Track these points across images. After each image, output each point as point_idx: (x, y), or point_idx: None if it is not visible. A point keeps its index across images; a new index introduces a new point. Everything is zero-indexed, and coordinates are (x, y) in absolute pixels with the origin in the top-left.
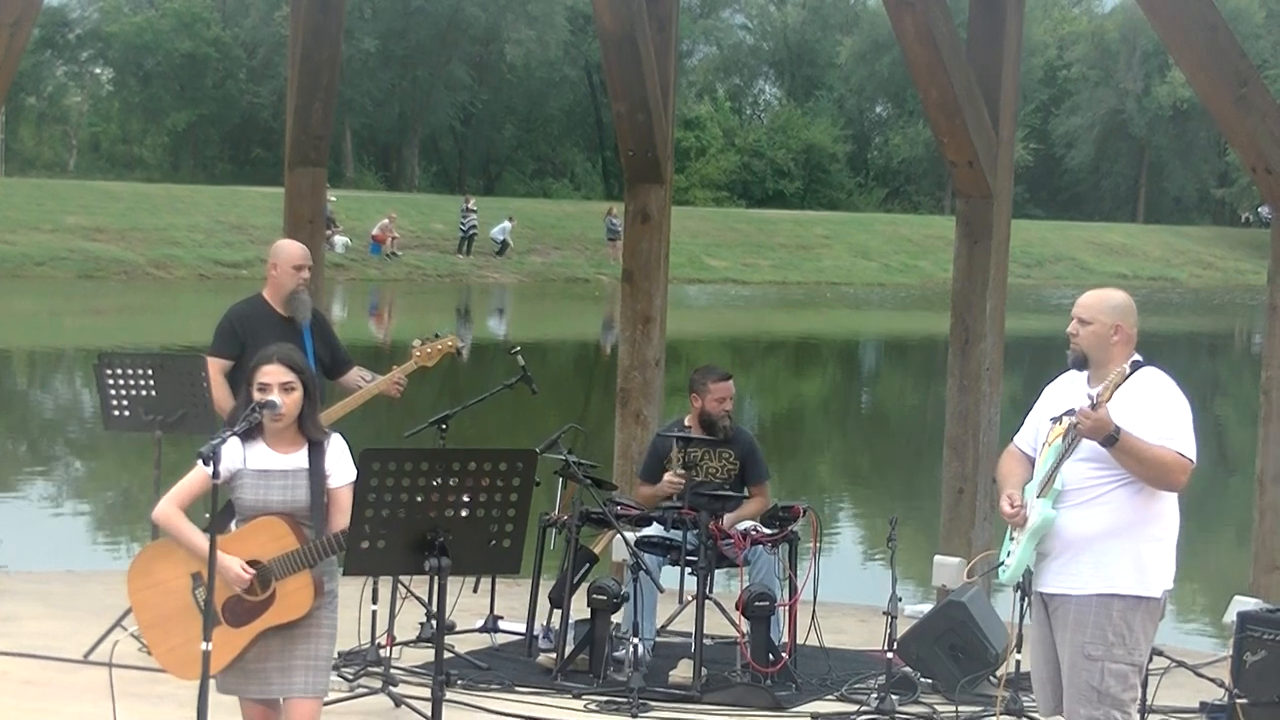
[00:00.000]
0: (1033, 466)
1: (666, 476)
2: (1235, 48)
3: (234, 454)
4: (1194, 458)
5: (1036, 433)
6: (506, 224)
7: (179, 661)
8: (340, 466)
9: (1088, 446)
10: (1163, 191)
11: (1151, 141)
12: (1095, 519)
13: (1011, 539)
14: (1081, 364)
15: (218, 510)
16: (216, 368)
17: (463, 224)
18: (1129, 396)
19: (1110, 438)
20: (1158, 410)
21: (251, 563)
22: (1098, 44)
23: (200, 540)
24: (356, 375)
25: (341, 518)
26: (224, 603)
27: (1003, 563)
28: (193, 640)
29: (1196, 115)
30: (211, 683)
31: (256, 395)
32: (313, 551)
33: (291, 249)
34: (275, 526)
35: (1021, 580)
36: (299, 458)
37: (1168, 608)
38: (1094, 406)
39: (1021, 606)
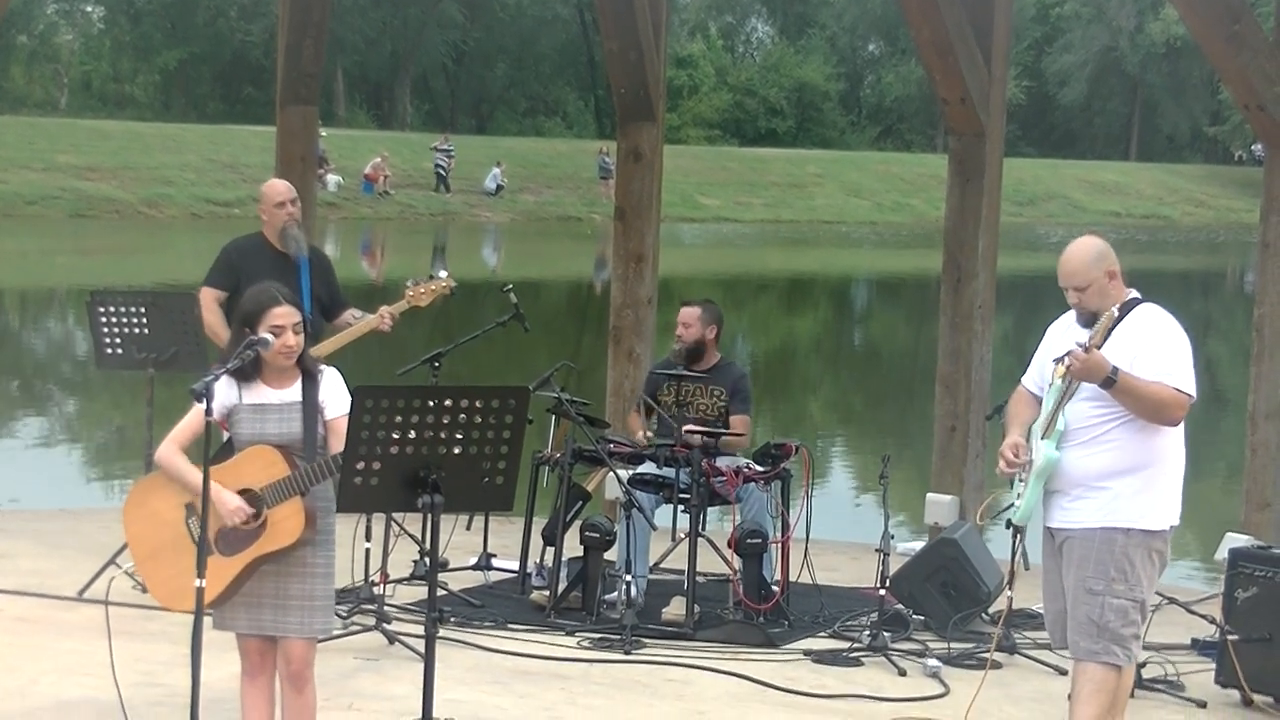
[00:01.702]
0: (1040, 407)
1: (638, 434)
2: None
3: (230, 391)
4: (1192, 392)
5: (1041, 373)
6: (495, 170)
7: (171, 594)
8: (335, 397)
9: (1088, 386)
10: (1155, 129)
11: (1144, 79)
12: (1099, 457)
13: (1020, 480)
14: (1093, 321)
15: (217, 445)
16: (210, 297)
17: (436, 163)
18: (1128, 333)
19: (1108, 379)
20: (1155, 346)
21: (242, 491)
22: None
23: (196, 475)
24: (348, 315)
25: (340, 443)
26: (216, 532)
27: (1013, 504)
28: (185, 572)
29: (1189, 53)
30: (207, 620)
31: (265, 334)
32: (303, 477)
33: (271, 188)
34: (266, 454)
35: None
36: (293, 391)
37: None
38: (1086, 350)
39: (1014, 544)
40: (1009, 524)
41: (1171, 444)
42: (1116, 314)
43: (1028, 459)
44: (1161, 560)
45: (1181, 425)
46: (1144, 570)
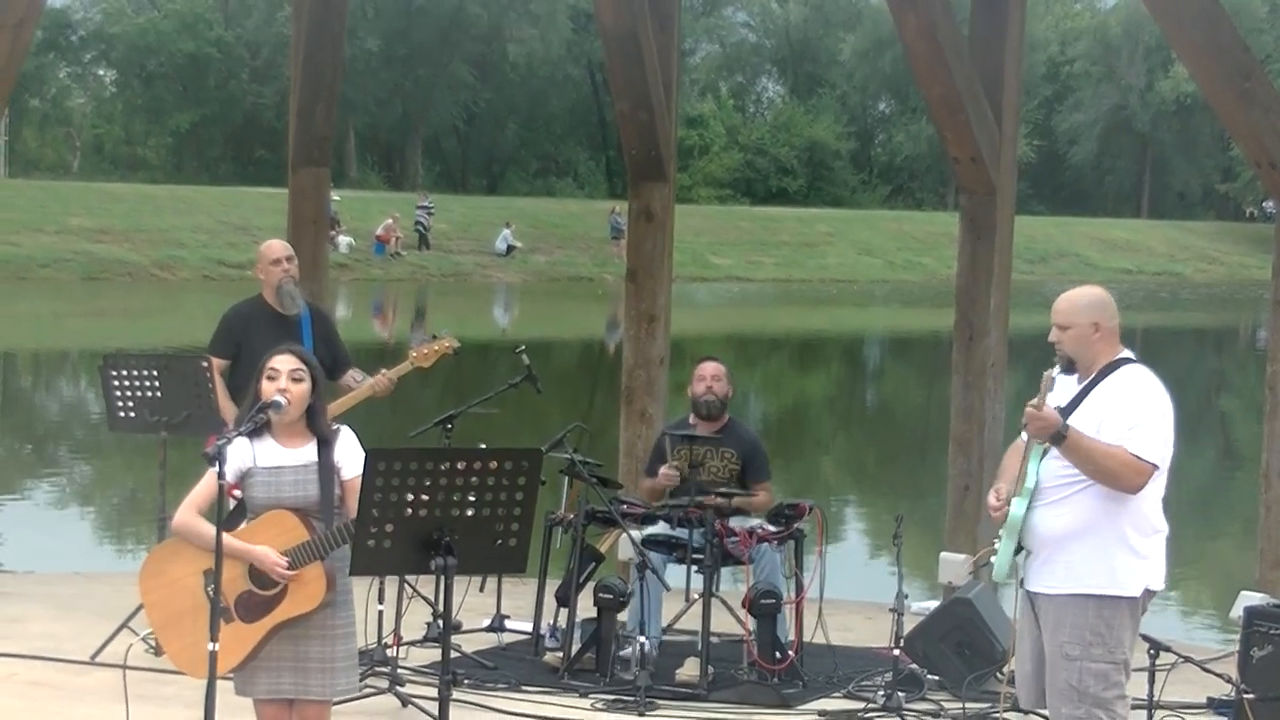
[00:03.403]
0: None
1: (662, 469)
2: (1238, 42)
3: (243, 453)
4: (1155, 460)
5: None
6: (506, 232)
7: (192, 660)
8: (351, 457)
9: None
10: (1166, 187)
11: (1155, 137)
12: (1063, 518)
13: (998, 536)
14: (1071, 368)
15: (227, 510)
16: (214, 367)
17: (417, 220)
18: (1104, 395)
19: (1059, 434)
20: (1123, 409)
21: None
22: (1100, 39)
23: (239, 548)
24: (349, 377)
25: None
26: (236, 598)
27: (989, 561)
28: (205, 639)
29: (1200, 110)
30: (227, 684)
31: (265, 384)
32: (323, 541)
33: (268, 247)
34: (284, 520)
35: (1023, 576)
36: (308, 452)
37: (1177, 603)
38: (1037, 407)
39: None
40: (1022, 583)
41: (1145, 507)
42: (1055, 375)
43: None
44: (1138, 617)
45: (1158, 489)
46: (1123, 632)
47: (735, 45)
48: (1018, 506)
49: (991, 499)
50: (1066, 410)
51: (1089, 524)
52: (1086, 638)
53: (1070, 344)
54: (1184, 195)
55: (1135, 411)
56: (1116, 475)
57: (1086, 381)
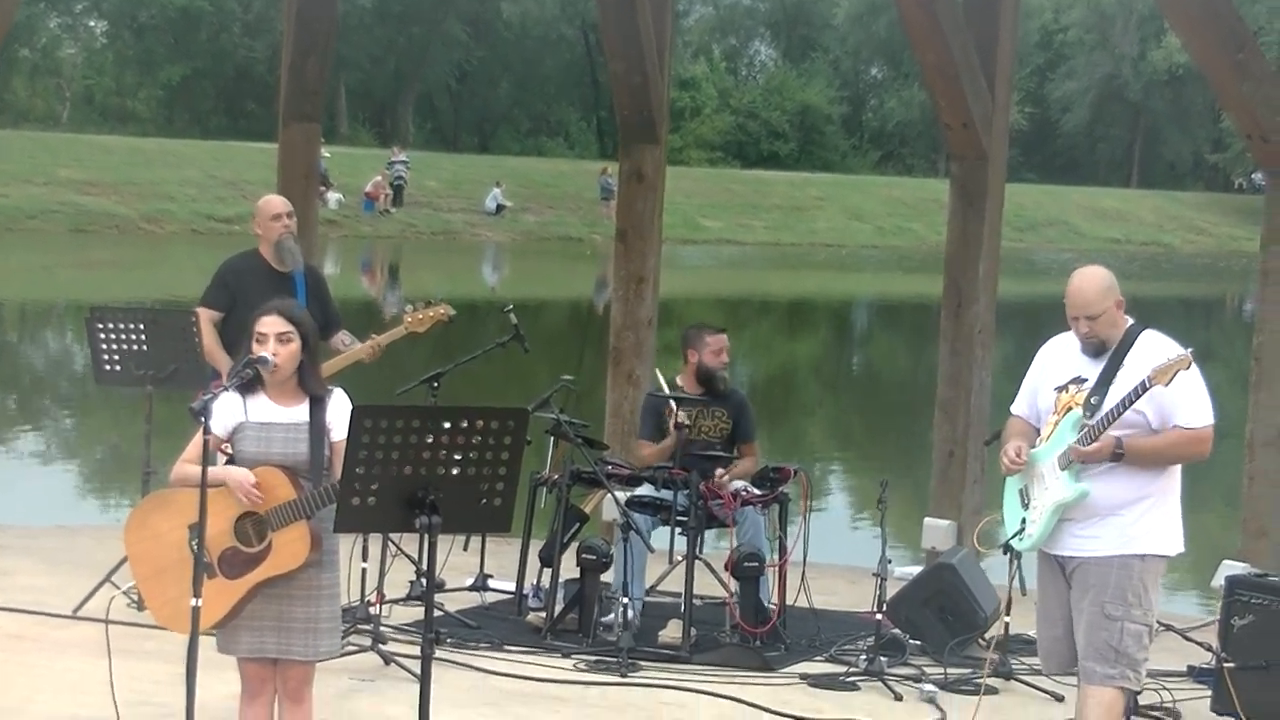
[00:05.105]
0: (1036, 432)
1: (674, 425)
2: (1232, 12)
3: (234, 407)
4: (1209, 421)
5: (1033, 400)
6: (496, 191)
7: (174, 615)
8: (342, 420)
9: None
10: (1157, 156)
11: (1147, 106)
12: (1117, 486)
13: (1028, 507)
14: (1102, 350)
15: (212, 464)
16: (206, 317)
17: (391, 176)
18: (1137, 364)
19: (1116, 455)
20: (1168, 391)
21: (247, 514)
22: (1094, 8)
23: (214, 473)
24: (339, 340)
25: None
26: (220, 554)
27: (1020, 532)
28: (188, 594)
29: (1192, 80)
30: (209, 640)
31: (255, 347)
32: (310, 501)
33: (267, 203)
34: (272, 477)
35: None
36: (300, 411)
37: None
38: (1146, 386)
39: (1010, 568)
40: (1006, 548)
41: (1178, 471)
42: (1180, 356)
43: (1024, 464)
44: (1160, 580)
45: None
46: (1153, 594)
47: (729, 8)
48: (1071, 484)
49: (1011, 452)
50: (1099, 385)
51: (1143, 489)
52: (1129, 598)
53: (1103, 328)
54: (1175, 165)
55: (1178, 388)
56: (1186, 455)
57: (1110, 353)
